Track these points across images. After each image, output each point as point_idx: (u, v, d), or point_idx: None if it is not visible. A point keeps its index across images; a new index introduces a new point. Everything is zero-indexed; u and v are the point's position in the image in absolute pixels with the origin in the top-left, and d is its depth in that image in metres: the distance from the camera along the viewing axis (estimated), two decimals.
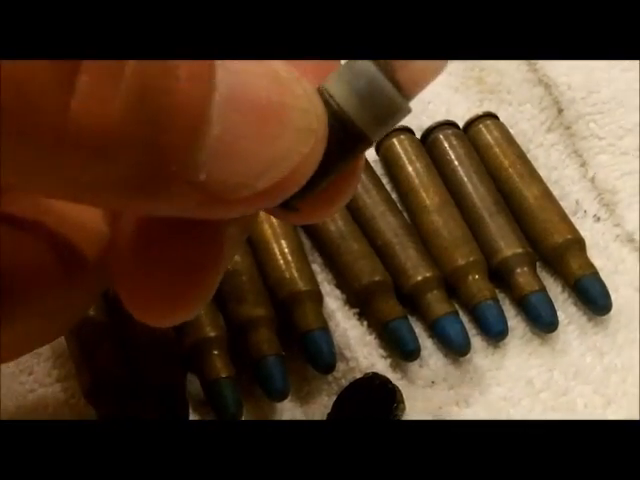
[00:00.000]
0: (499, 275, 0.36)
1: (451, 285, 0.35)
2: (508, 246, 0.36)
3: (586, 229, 0.38)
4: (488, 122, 0.40)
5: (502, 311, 0.35)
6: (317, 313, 0.33)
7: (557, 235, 0.36)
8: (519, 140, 0.40)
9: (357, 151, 0.18)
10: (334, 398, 0.32)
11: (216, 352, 0.32)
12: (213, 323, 0.32)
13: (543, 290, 0.35)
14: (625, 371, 0.34)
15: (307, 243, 0.37)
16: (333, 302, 0.35)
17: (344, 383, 0.33)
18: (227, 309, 0.33)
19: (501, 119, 0.41)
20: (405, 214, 0.37)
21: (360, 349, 0.34)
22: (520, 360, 0.35)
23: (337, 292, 0.35)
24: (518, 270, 0.36)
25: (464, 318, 0.35)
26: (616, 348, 0.35)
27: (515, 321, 0.36)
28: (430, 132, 0.39)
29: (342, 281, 0.36)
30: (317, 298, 0.34)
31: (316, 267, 0.36)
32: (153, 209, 0.16)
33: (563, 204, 0.38)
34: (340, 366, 0.33)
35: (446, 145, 0.39)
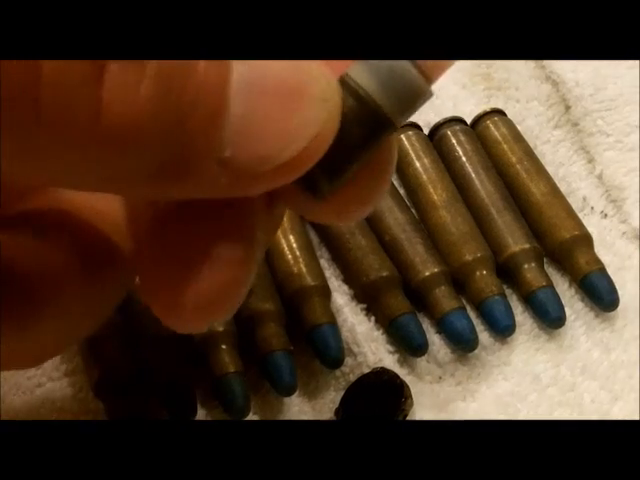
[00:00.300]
0: (506, 271, 0.36)
1: (459, 281, 0.36)
2: (515, 242, 0.36)
3: (593, 225, 0.38)
4: (496, 118, 0.40)
5: (509, 307, 0.35)
6: (325, 308, 0.34)
7: (564, 231, 0.36)
8: (526, 136, 0.40)
9: (382, 136, 0.18)
10: (342, 393, 0.32)
11: (224, 347, 0.32)
12: None
13: (550, 286, 0.35)
14: (632, 367, 0.34)
15: (315, 238, 0.37)
16: (341, 297, 0.35)
17: (352, 378, 0.33)
18: None
19: (508, 115, 0.41)
20: (413, 210, 0.38)
21: (368, 344, 0.34)
22: (527, 356, 0.35)
23: (345, 287, 0.35)
24: (525, 266, 0.36)
25: (471, 314, 0.35)
26: (623, 344, 0.35)
27: (522, 317, 0.36)
28: (438, 128, 0.39)
29: (350, 276, 0.36)
30: (325, 293, 0.34)
31: (324, 262, 0.36)
32: (185, 192, 0.17)
33: (570, 200, 0.38)
34: (348, 361, 0.33)
35: (454, 141, 0.39)
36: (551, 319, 0.35)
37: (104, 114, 0.14)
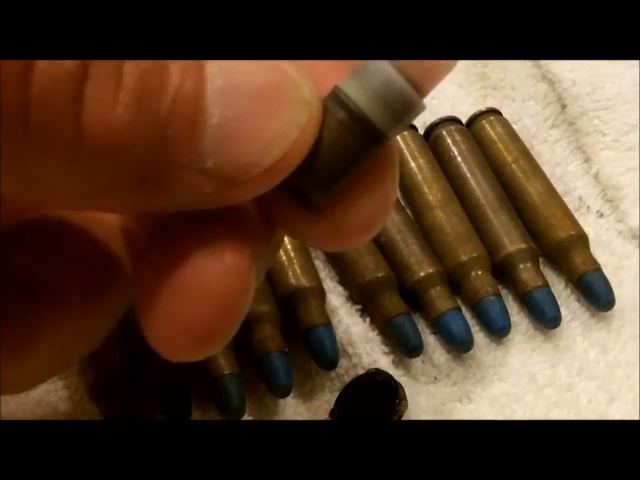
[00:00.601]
0: (502, 271, 0.36)
1: (454, 281, 0.35)
2: (511, 242, 0.36)
3: (590, 225, 0.38)
4: (491, 118, 0.40)
5: (505, 307, 0.35)
6: (320, 309, 0.33)
7: (560, 231, 0.36)
8: (523, 136, 0.40)
9: (373, 148, 0.18)
10: (337, 394, 0.32)
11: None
12: None
13: (546, 286, 0.35)
14: (629, 367, 0.34)
15: None
16: (336, 298, 0.35)
17: (347, 379, 0.33)
18: None
19: (505, 115, 0.41)
20: (408, 210, 0.37)
21: (363, 345, 0.34)
22: (523, 356, 0.35)
23: (340, 288, 0.35)
24: (521, 266, 0.35)
25: (467, 314, 0.35)
26: (620, 344, 0.35)
27: (518, 317, 0.36)
28: (433, 128, 0.39)
29: (345, 277, 0.36)
30: (320, 294, 0.34)
31: (319, 263, 0.36)
32: (172, 203, 0.17)
33: (567, 200, 0.38)
34: (343, 362, 0.33)
35: (449, 141, 0.39)
36: (547, 319, 0.35)
37: (84, 131, 0.15)
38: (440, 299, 0.34)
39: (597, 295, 0.35)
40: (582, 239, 0.36)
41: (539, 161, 0.39)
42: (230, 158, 0.16)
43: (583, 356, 0.35)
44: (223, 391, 0.31)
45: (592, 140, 0.41)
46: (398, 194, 0.38)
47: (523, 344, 0.35)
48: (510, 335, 0.35)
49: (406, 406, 0.31)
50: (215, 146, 0.16)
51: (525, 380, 0.34)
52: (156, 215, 0.19)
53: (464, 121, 0.40)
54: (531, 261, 0.36)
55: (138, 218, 0.21)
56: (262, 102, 0.16)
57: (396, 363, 0.34)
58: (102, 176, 0.15)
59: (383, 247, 0.36)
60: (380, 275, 0.34)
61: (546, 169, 0.39)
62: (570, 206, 0.38)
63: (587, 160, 0.40)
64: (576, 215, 0.37)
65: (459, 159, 0.38)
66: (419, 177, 0.37)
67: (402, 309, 0.34)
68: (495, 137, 0.39)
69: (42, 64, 0.14)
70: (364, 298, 0.35)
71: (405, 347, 0.34)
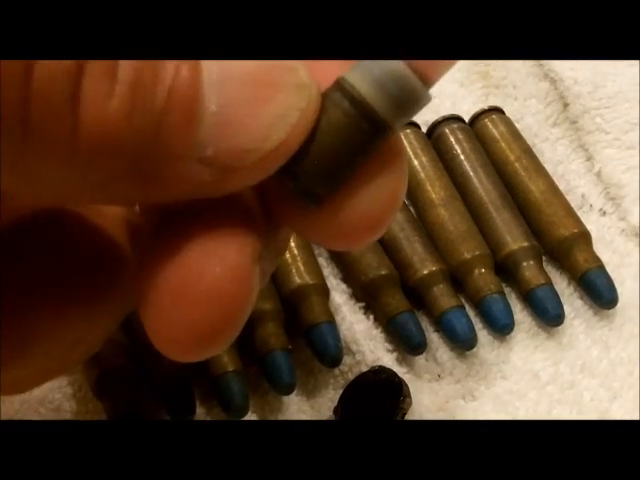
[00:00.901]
0: (505, 269, 0.36)
1: (457, 279, 0.36)
2: (514, 240, 0.36)
3: (592, 223, 0.38)
4: (494, 116, 0.40)
5: (508, 305, 0.35)
6: (323, 307, 0.34)
7: (563, 229, 0.36)
8: (525, 134, 0.40)
9: (377, 140, 0.18)
10: (340, 392, 0.32)
11: None
12: None
13: (549, 284, 0.35)
14: (631, 364, 0.34)
15: None
16: (339, 296, 0.35)
17: (350, 377, 0.33)
18: None
19: (507, 113, 0.41)
20: (411, 208, 0.37)
21: (366, 343, 0.34)
22: (526, 354, 0.35)
23: (343, 286, 0.35)
24: (524, 264, 0.36)
25: (470, 312, 0.35)
26: (622, 342, 0.35)
27: (521, 315, 0.36)
28: (436, 126, 0.39)
29: (348, 275, 0.36)
30: (323, 292, 0.34)
31: (322, 261, 0.36)
32: (172, 194, 0.17)
33: (569, 198, 0.38)
34: (346, 360, 0.33)
35: (452, 139, 0.39)
36: (550, 317, 0.35)
37: (82, 126, 0.15)
38: (443, 297, 0.34)
39: (600, 293, 0.35)
40: (585, 237, 0.36)
41: (541, 159, 0.39)
42: (230, 145, 0.16)
43: (586, 354, 0.35)
44: (226, 389, 0.31)
45: (594, 138, 0.41)
46: None
47: (526, 342, 0.35)
48: (513, 333, 0.35)
49: (410, 403, 0.31)
50: (214, 134, 0.16)
51: (528, 377, 0.34)
52: (158, 209, 0.19)
53: (466, 120, 0.40)
54: (534, 259, 0.36)
55: (141, 211, 0.21)
56: (260, 87, 0.16)
57: (400, 361, 0.34)
58: (101, 170, 0.15)
59: (386, 245, 0.36)
60: (383, 273, 0.34)
61: (548, 167, 0.39)
62: (572, 204, 0.38)
63: (589, 158, 0.40)
64: (579, 213, 0.37)
65: (462, 157, 0.38)
66: (422, 175, 0.37)
67: (405, 307, 0.34)
68: (497, 135, 0.39)
69: (41, 63, 0.14)
70: (367, 296, 0.35)
71: (408, 345, 0.34)
